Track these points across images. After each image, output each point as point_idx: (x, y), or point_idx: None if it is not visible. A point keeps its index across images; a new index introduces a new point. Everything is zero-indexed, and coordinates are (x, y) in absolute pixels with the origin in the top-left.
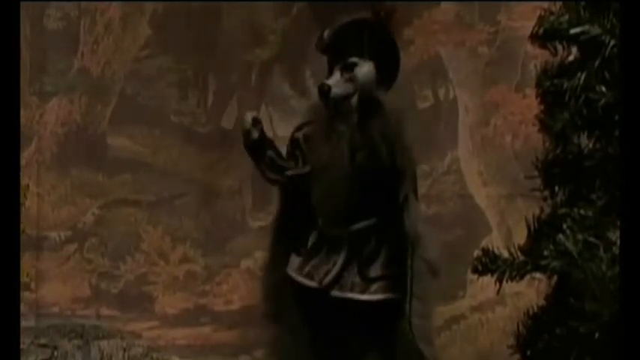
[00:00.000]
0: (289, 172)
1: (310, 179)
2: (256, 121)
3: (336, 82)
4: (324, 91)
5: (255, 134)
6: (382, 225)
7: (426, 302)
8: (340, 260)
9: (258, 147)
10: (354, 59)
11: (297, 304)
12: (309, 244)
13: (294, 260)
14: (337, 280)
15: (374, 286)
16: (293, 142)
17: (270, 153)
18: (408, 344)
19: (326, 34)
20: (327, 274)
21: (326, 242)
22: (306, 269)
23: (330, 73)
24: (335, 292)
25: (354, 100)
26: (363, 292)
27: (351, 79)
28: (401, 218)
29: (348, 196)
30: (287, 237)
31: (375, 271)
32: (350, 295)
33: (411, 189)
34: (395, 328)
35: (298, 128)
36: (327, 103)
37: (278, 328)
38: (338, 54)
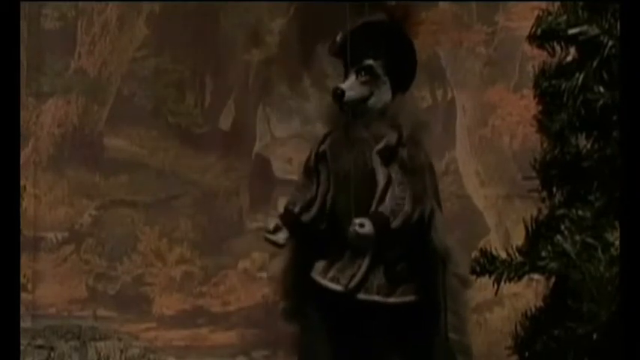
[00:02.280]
0: (304, 218)
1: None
2: (277, 228)
3: (350, 85)
4: (337, 95)
5: (282, 239)
6: (407, 230)
7: (461, 316)
8: (365, 264)
9: (295, 233)
10: (369, 61)
11: (321, 307)
12: (333, 248)
13: (318, 264)
14: (363, 283)
15: (400, 289)
16: (318, 156)
17: (305, 217)
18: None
19: (339, 37)
20: (352, 277)
21: (350, 247)
22: (331, 273)
23: (346, 76)
24: (361, 295)
25: (372, 101)
26: (389, 295)
27: (367, 82)
28: (428, 234)
29: (371, 203)
30: (309, 240)
31: (400, 273)
32: (376, 297)
33: (435, 202)
34: (420, 330)
35: (322, 140)
36: (341, 107)
37: (299, 330)
38: (353, 57)
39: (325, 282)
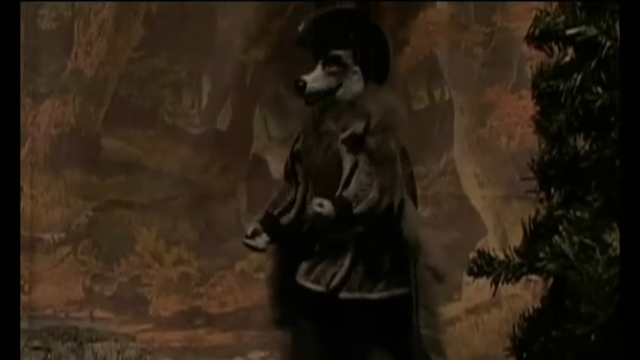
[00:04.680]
0: (284, 221)
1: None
2: (255, 233)
3: (315, 77)
4: (299, 87)
5: (262, 243)
6: (386, 222)
7: (433, 311)
8: (347, 262)
9: (276, 237)
10: (337, 51)
11: (308, 311)
12: (316, 248)
13: (302, 267)
14: (345, 282)
15: (382, 284)
16: (293, 156)
17: (284, 220)
18: (420, 356)
19: (300, 26)
20: (333, 277)
21: (332, 246)
22: (313, 275)
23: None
24: (344, 294)
25: (341, 92)
26: (371, 290)
27: (335, 73)
28: (398, 225)
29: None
30: (293, 243)
31: (382, 269)
32: (359, 295)
33: (407, 193)
34: (405, 324)
35: (297, 139)
36: (306, 100)
37: (285, 333)
38: (318, 47)
39: (308, 284)
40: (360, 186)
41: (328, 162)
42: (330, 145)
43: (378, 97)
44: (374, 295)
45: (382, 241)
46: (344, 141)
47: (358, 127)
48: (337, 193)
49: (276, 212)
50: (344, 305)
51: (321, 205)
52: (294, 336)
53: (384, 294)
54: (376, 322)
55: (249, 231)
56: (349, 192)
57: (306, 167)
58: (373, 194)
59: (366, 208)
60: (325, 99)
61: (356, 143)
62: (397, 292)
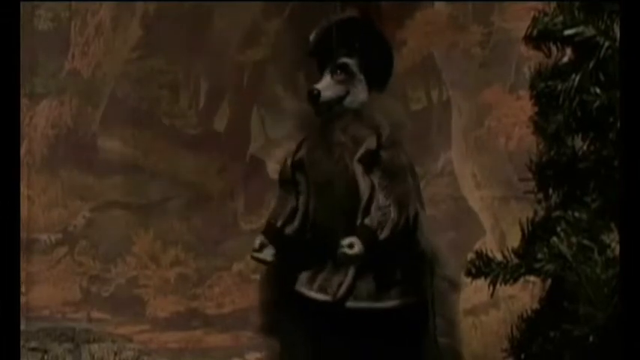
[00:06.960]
0: (288, 231)
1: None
2: (262, 245)
3: (326, 85)
4: (314, 96)
5: (270, 256)
6: (396, 237)
7: (450, 320)
8: (352, 271)
9: (281, 247)
10: (344, 60)
11: (306, 320)
12: (317, 258)
13: (303, 276)
14: (351, 291)
15: (392, 293)
16: (295, 165)
17: (288, 230)
18: None
19: (312, 37)
20: (340, 286)
21: (333, 255)
22: (317, 283)
23: (322, 76)
24: (350, 303)
25: (348, 100)
26: (379, 299)
27: (343, 81)
28: (415, 236)
29: (354, 210)
30: (291, 251)
31: (393, 277)
32: (366, 304)
33: (419, 205)
34: (414, 333)
35: (298, 148)
36: (318, 109)
37: (279, 342)
38: (327, 56)
39: (312, 294)
40: (381, 211)
41: (340, 176)
42: (342, 157)
43: (383, 106)
44: (382, 304)
45: (393, 250)
46: (360, 160)
47: (371, 142)
48: (359, 222)
49: (279, 223)
50: (349, 314)
51: (351, 246)
52: (285, 344)
53: (394, 302)
54: (386, 331)
55: (257, 244)
56: (372, 219)
57: (314, 179)
58: (393, 215)
59: (390, 232)
60: (334, 108)
61: (371, 159)
62: (409, 300)
